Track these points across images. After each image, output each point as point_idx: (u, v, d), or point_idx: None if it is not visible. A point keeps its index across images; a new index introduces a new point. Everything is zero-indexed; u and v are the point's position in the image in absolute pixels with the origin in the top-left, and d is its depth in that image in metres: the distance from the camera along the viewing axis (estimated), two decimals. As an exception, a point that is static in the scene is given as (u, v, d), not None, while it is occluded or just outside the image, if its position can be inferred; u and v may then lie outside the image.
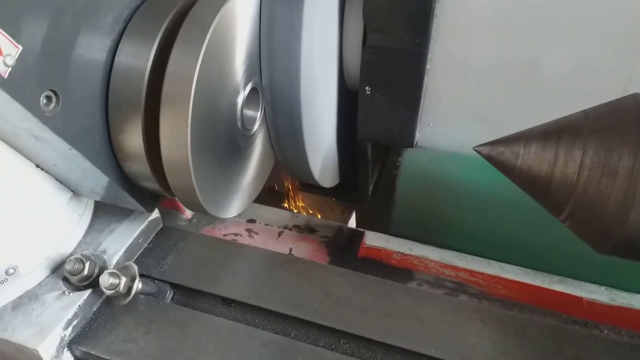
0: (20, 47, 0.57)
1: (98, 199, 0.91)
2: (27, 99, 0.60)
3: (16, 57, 0.57)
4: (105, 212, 1.00)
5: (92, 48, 0.70)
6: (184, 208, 1.11)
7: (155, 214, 1.01)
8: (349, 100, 1.08)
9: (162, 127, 0.72)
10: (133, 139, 0.76)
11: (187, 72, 0.70)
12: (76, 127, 0.69)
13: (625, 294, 0.95)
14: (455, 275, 1.00)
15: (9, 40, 0.55)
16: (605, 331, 0.92)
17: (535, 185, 0.69)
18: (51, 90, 0.63)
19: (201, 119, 0.74)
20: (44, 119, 0.63)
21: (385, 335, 0.87)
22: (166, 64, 0.72)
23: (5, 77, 0.56)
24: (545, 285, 0.97)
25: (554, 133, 0.68)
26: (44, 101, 0.63)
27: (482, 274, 0.99)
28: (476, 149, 0.71)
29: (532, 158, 0.68)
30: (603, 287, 0.96)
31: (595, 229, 0.66)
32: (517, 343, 0.86)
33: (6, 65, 0.56)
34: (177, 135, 0.71)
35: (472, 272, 1.00)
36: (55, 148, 0.70)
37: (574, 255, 0.73)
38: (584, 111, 0.69)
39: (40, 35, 0.60)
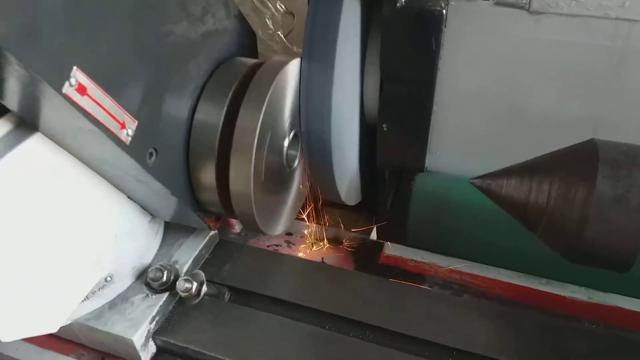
0: (137, 121, 0.80)
1: (171, 220, 1.12)
2: (139, 156, 0.81)
3: (134, 129, 0.79)
4: (173, 230, 1.19)
5: (179, 111, 0.91)
6: (234, 224, 1.33)
7: (214, 230, 1.20)
8: (369, 132, 1.26)
9: (231, 168, 0.92)
10: (207, 176, 0.96)
11: (251, 127, 0.91)
12: (167, 171, 0.90)
13: (600, 293, 1.10)
14: (459, 279, 1.16)
15: (130, 117, 0.78)
16: (586, 324, 1.08)
17: (515, 210, 0.86)
18: (153, 147, 0.85)
19: (259, 160, 0.95)
20: (149, 169, 0.84)
21: (402, 327, 1.03)
22: (233, 119, 0.93)
23: (128, 144, 0.79)
24: (535, 286, 1.12)
25: (529, 170, 0.84)
26: (148, 156, 0.84)
27: (482, 277, 1.15)
28: (471, 181, 0.89)
29: (512, 189, 0.84)
30: (583, 288, 1.11)
31: (562, 243, 0.82)
32: (509, 333, 1.02)
33: (128, 135, 0.78)
34: (243, 174, 0.92)
35: (473, 276, 1.15)
36: (151, 187, 0.91)
37: (559, 260, 0.85)
38: (552, 153, 0.87)
39: (147, 109, 0.82)
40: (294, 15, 2.24)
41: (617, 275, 0.86)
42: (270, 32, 2.13)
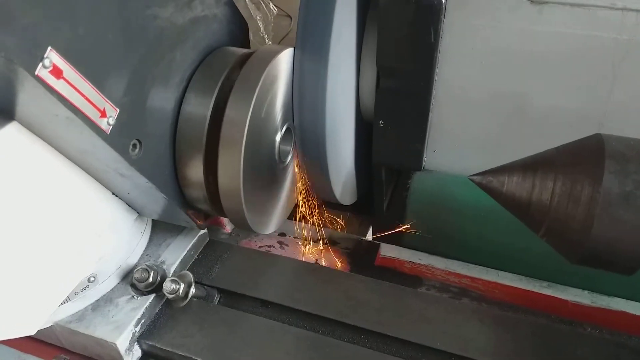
0: (118, 110, 0.75)
1: (159, 218, 1.07)
2: (121, 147, 0.77)
3: (115, 117, 0.75)
4: (161, 229, 1.15)
5: (165, 102, 0.87)
6: (225, 223, 1.29)
7: (203, 230, 1.16)
8: (365, 130, 1.22)
9: (220, 162, 0.88)
10: (195, 171, 0.92)
11: (241, 120, 0.87)
12: (152, 165, 0.86)
13: (605, 297, 1.06)
14: (458, 282, 1.12)
15: (111, 105, 0.74)
16: (589, 329, 1.04)
17: (517, 208, 0.82)
18: (136, 139, 0.80)
19: (250, 155, 0.90)
20: (131, 161, 0.80)
21: (398, 331, 1.00)
22: (222, 111, 0.89)
23: (108, 133, 0.74)
24: (536, 290, 1.08)
25: (532, 166, 0.80)
26: (132, 148, 0.80)
27: (481, 280, 1.11)
28: (470, 178, 0.86)
29: (514, 186, 0.80)
30: (586, 292, 1.08)
31: (566, 244, 0.78)
32: (509, 339, 0.98)
33: (109, 124, 0.74)
34: (232, 168, 0.88)
35: (472, 279, 1.11)
36: (135, 182, 0.87)
37: (561, 262, 0.82)
38: (557, 148, 0.83)
39: (130, 98, 0.77)
40: (291, 18, 2.18)
41: (623, 279, 0.82)
42: (262, 34, 2.06)
